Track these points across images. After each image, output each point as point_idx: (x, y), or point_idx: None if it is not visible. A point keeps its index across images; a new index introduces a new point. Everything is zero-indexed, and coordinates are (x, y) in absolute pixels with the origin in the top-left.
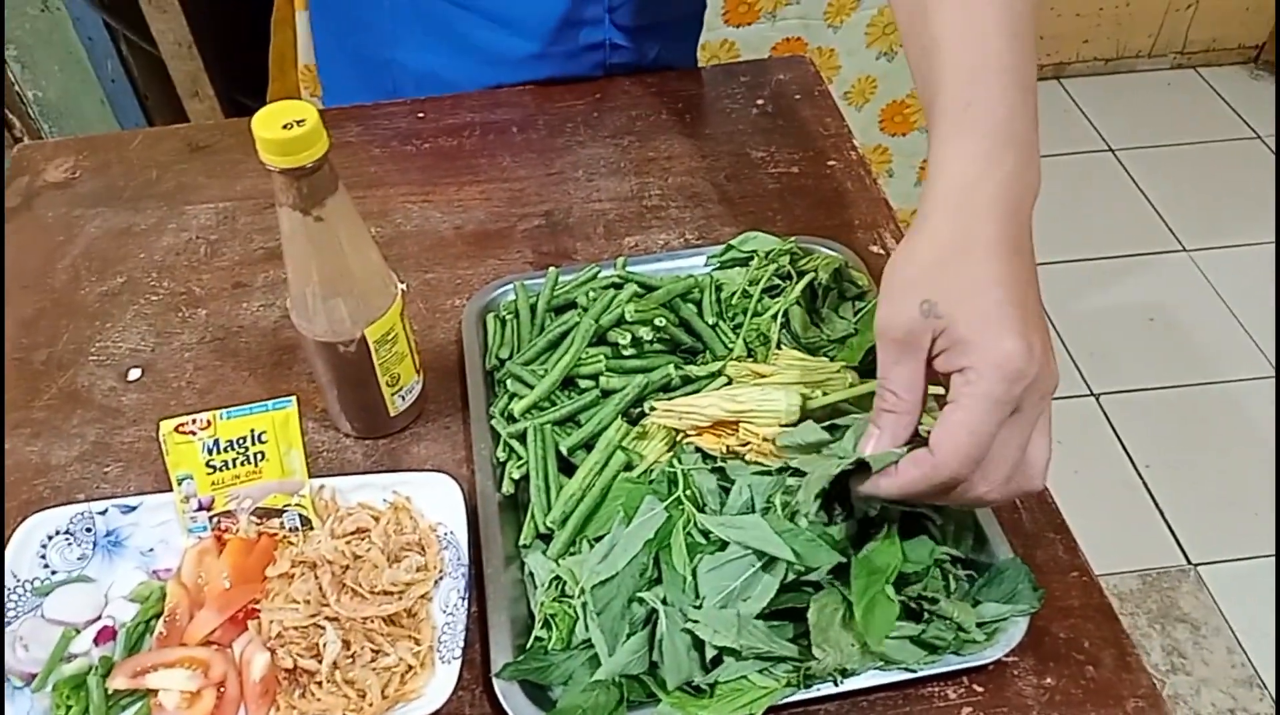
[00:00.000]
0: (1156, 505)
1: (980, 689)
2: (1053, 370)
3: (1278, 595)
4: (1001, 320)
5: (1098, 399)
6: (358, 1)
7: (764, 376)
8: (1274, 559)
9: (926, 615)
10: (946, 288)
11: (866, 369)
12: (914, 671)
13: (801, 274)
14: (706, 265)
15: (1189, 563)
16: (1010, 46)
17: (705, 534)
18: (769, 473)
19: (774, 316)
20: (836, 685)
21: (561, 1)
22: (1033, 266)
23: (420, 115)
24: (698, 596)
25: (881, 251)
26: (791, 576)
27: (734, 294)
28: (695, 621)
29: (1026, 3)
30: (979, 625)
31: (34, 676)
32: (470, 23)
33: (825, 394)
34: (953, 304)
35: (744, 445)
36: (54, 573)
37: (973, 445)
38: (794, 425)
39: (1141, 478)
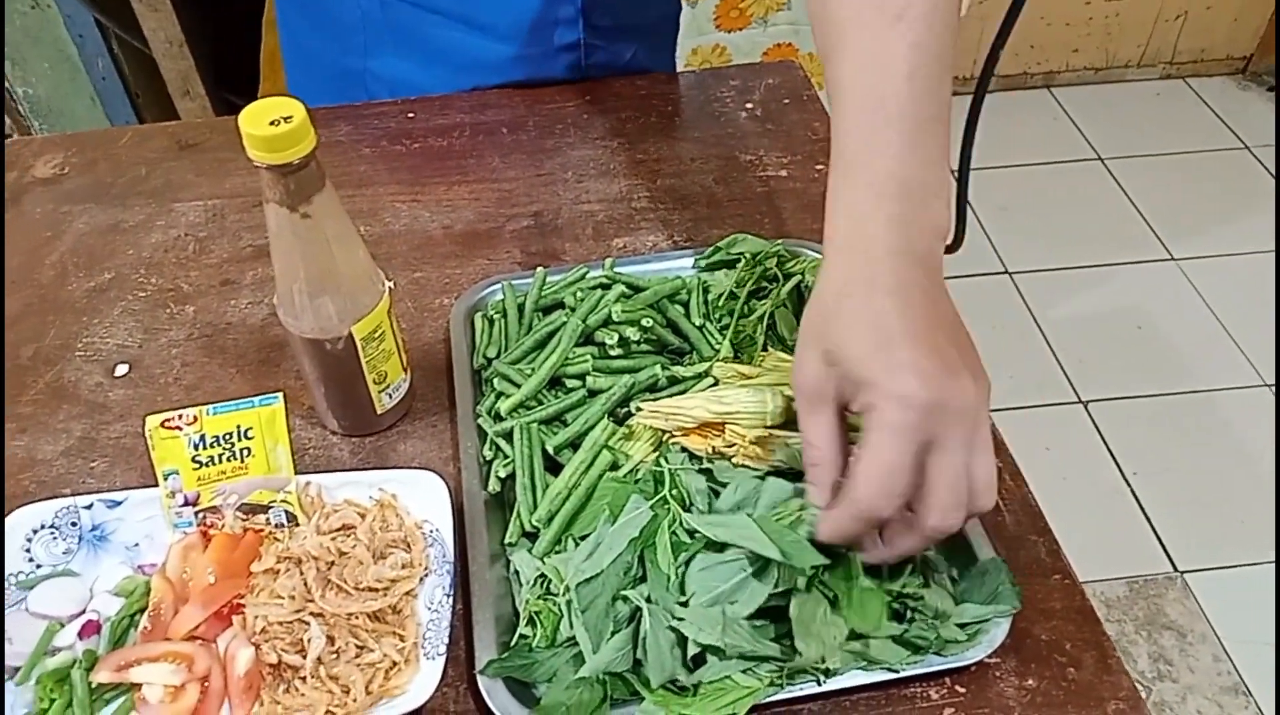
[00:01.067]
0: (1144, 512)
1: (962, 690)
2: (967, 394)
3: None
4: (890, 353)
5: (1085, 406)
6: (327, 12)
7: (750, 378)
8: (1274, 566)
9: (909, 614)
10: (839, 333)
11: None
12: (896, 671)
13: (789, 276)
14: (694, 267)
15: (1175, 570)
16: (906, 88)
17: (691, 533)
18: (760, 476)
19: (760, 318)
20: (820, 684)
21: (534, 2)
22: (937, 302)
23: (410, 115)
24: (684, 594)
25: None
26: (782, 586)
27: (721, 296)
28: (680, 619)
29: (938, 32)
30: (960, 626)
31: (17, 670)
32: (443, 28)
33: None
34: (845, 347)
35: (730, 446)
36: (38, 566)
37: (886, 478)
38: (780, 427)
39: (1129, 484)
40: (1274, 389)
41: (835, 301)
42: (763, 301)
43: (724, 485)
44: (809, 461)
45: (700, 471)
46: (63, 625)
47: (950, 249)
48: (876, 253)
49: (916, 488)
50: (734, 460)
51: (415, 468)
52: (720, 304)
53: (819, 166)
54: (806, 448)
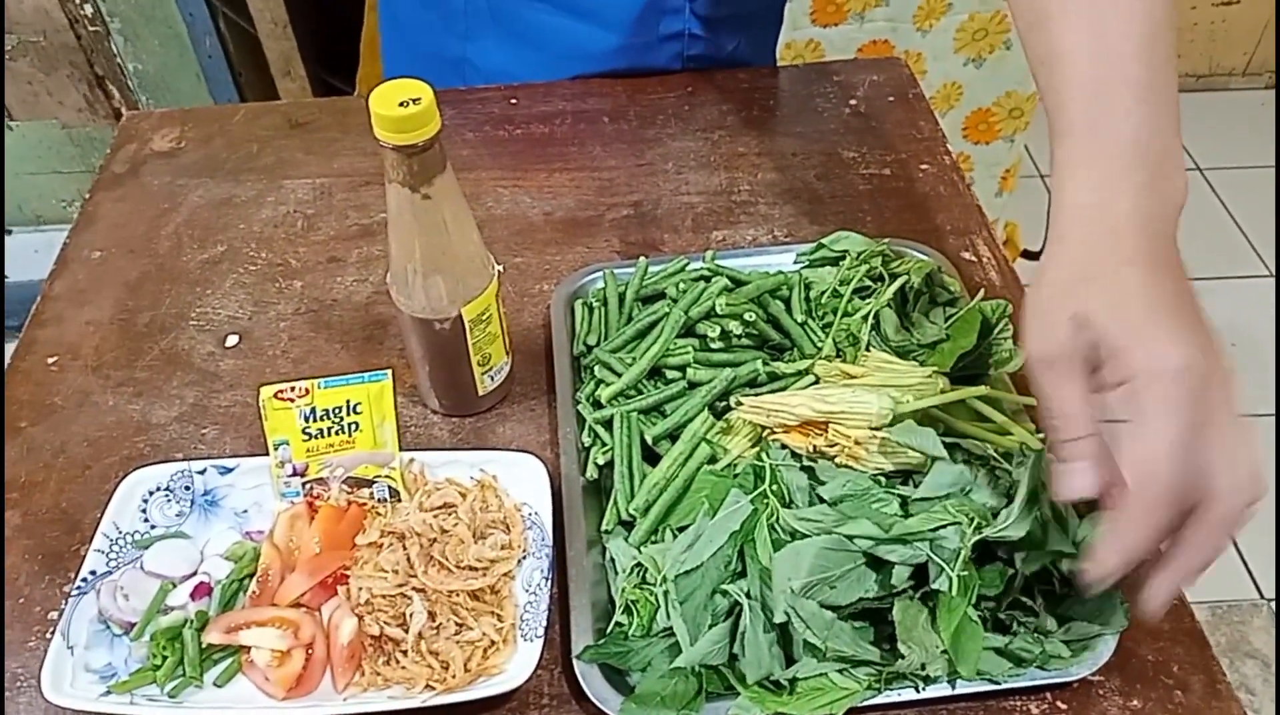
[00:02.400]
0: (1231, 537)
1: (1064, 706)
2: (1228, 370)
3: None
4: (1156, 325)
5: None
6: (430, 1)
7: (853, 377)
8: None
9: (1014, 626)
10: (1093, 301)
11: (957, 376)
12: (997, 683)
13: (894, 276)
14: (795, 263)
15: (1262, 597)
16: (1140, 56)
17: (792, 533)
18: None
19: (865, 317)
20: (918, 691)
21: None
22: (1181, 277)
23: (513, 101)
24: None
25: (973, 258)
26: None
27: (824, 293)
28: (792, 609)
29: (1163, 9)
30: (1065, 641)
31: (132, 626)
32: (548, 14)
33: (916, 398)
34: (1102, 314)
35: (832, 446)
36: (153, 527)
37: (1169, 457)
38: (887, 427)
39: None
40: None
41: (1086, 270)
42: (867, 301)
43: (824, 484)
44: (1066, 436)
45: (802, 469)
46: (175, 585)
47: (1034, 255)
48: (1126, 224)
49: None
50: (836, 460)
51: (515, 450)
52: (823, 301)
53: (923, 166)
54: (1057, 420)
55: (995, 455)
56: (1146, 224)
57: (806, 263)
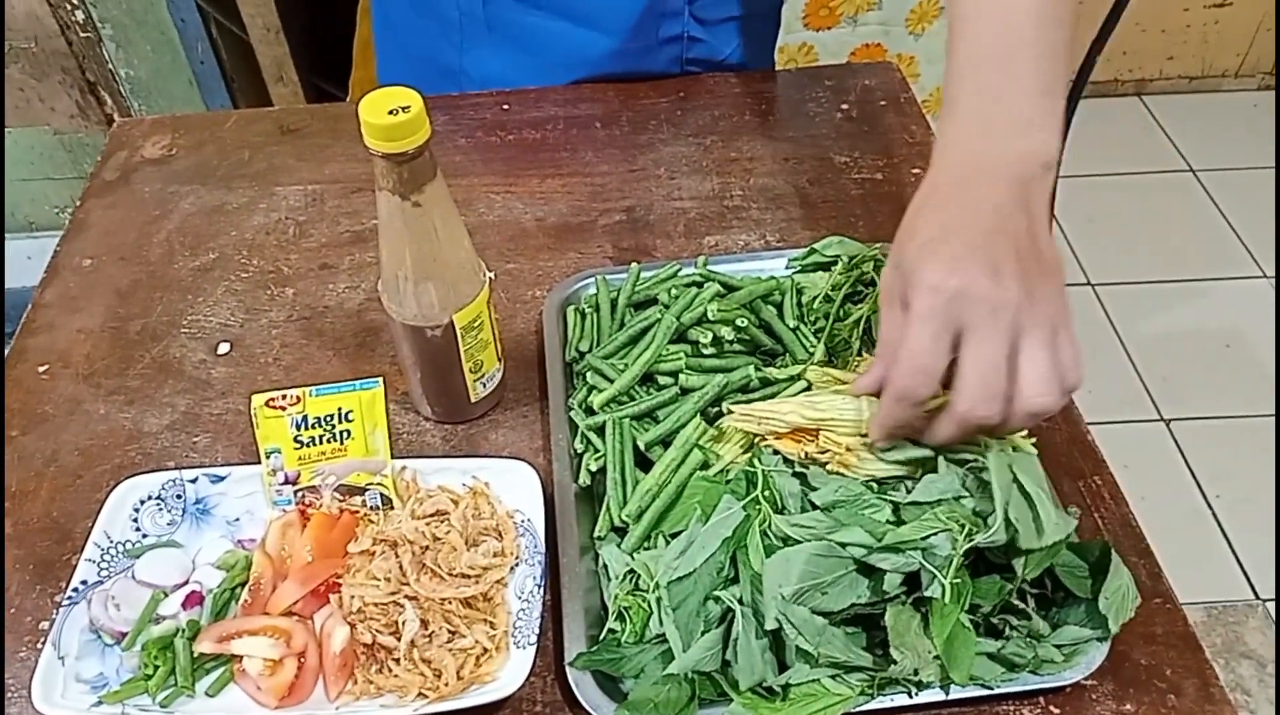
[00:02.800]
0: (1225, 536)
1: (1057, 710)
2: (1003, 292)
3: None
4: (933, 249)
5: (1168, 425)
6: (424, 8)
7: (845, 383)
8: None
9: (1007, 631)
10: (905, 237)
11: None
12: (990, 688)
13: None
14: (787, 268)
15: (1257, 597)
16: (1035, 22)
17: (784, 539)
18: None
19: (856, 323)
20: (911, 697)
21: None
22: (1008, 216)
23: (505, 107)
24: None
25: None
26: (875, 596)
27: (816, 298)
28: (783, 615)
29: None
30: (1058, 646)
31: (124, 635)
32: (546, 21)
33: None
34: (904, 247)
35: (823, 452)
36: (145, 536)
37: (915, 358)
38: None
39: (1210, 507)
40: None
41: (913, 214)
42: (858, 306)
43: (817, 490)
44: (878, 352)
45: (794, 475)
46: (167, 594)
47: None
48: (961, 172)
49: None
50: (828, 467)
51: (507, 457)
52: (815, 307)
53: (915, 170)
54: (881, 339)
55: (980, 460)
56: (985, 173)
57: (798, 268)
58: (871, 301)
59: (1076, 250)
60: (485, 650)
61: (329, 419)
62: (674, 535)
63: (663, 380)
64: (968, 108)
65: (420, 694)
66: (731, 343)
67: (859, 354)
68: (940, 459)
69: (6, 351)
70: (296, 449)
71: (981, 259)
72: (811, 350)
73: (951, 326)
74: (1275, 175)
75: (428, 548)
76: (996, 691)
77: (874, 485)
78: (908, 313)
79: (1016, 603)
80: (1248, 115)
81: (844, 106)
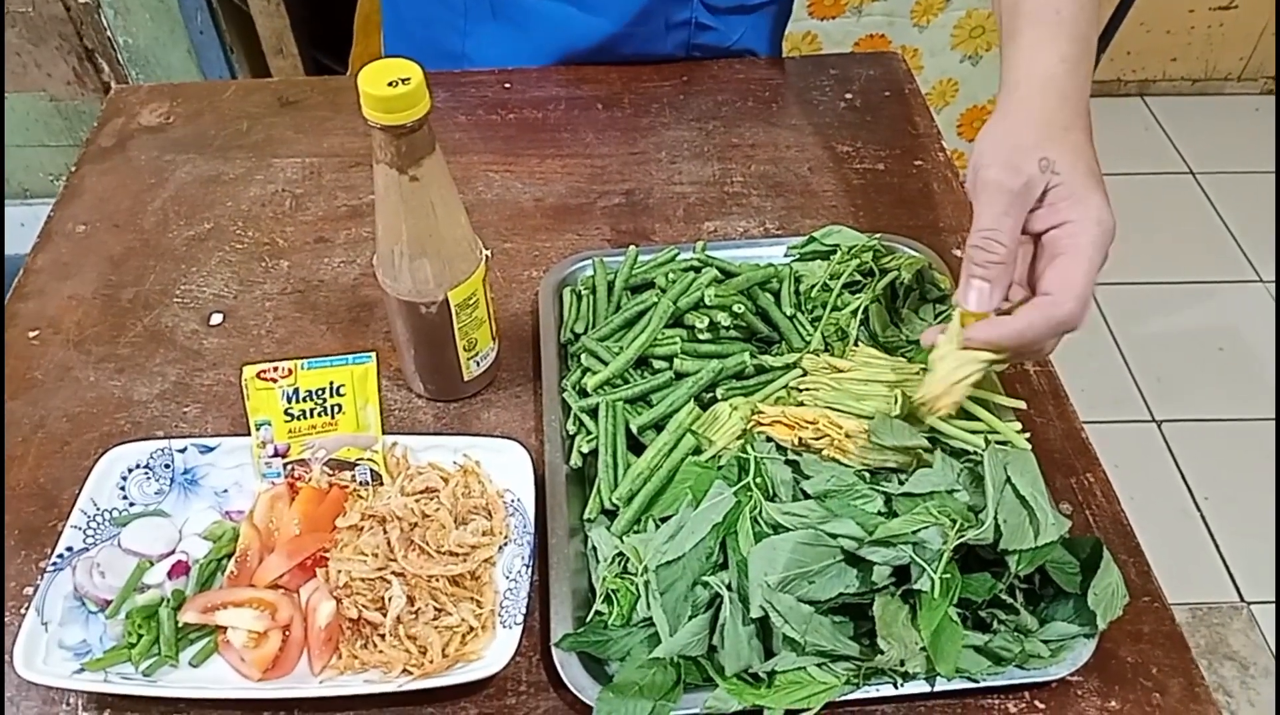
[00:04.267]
0: (1212, 538)
1: (1042, 705)
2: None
3: None
4: (1100, 184)
5: (1159, 426)
6: None
7: (841, 372)
8: None
9: (994, 625)
10: (1062, 152)
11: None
12: (976, 681)
13: (884, 272)
14: (786, 256)
15: (1242, 600)
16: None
17: (774, 527)
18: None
19: (854, 312)
20: (897, 687)
21: None
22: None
23: (507, 85)
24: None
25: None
26: (864, 586)
27: (814, 287)
28: (769, 603)
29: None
30: (1045, 641)
31: (108, 603)
32: (553, 5)
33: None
34: (1068, 167)
35: (820, 437)
36: (132, 505)
37: (1086, 287)
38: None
39: (1199, 508)
40: None
41: (1051, 129)
42: (857, 295)
43: (809, 477)
44: (993, 259)
45: (786, 463)
46: (152, 563)
47: None
48: (1075, 97)
49: None
50: (823, 453)
51: (499, 436)
52: (813, 295)
53: (917, 161)
54: (991, 247)
55: (979, 454)
56: (1084, 102)
57: (797, 256)
58: (870, 291)
59: None
60: (471, 628)
61: (320, 393)
62: (664, 519)
63: (657, 364)
64: (1072, 34)
65: (405, 670)
66: (728, 329)
67: (855, 343)
68: (937, 451)
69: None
70: (287, 422)
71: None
72: (808, 338)
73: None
74: (1275, 179)
75: (416, 525)
76: (982, 685)
77: (866, 475)
78: (1083, 242)
79: (1005, 597)
80: (1249, 118)
81: (847, 96)
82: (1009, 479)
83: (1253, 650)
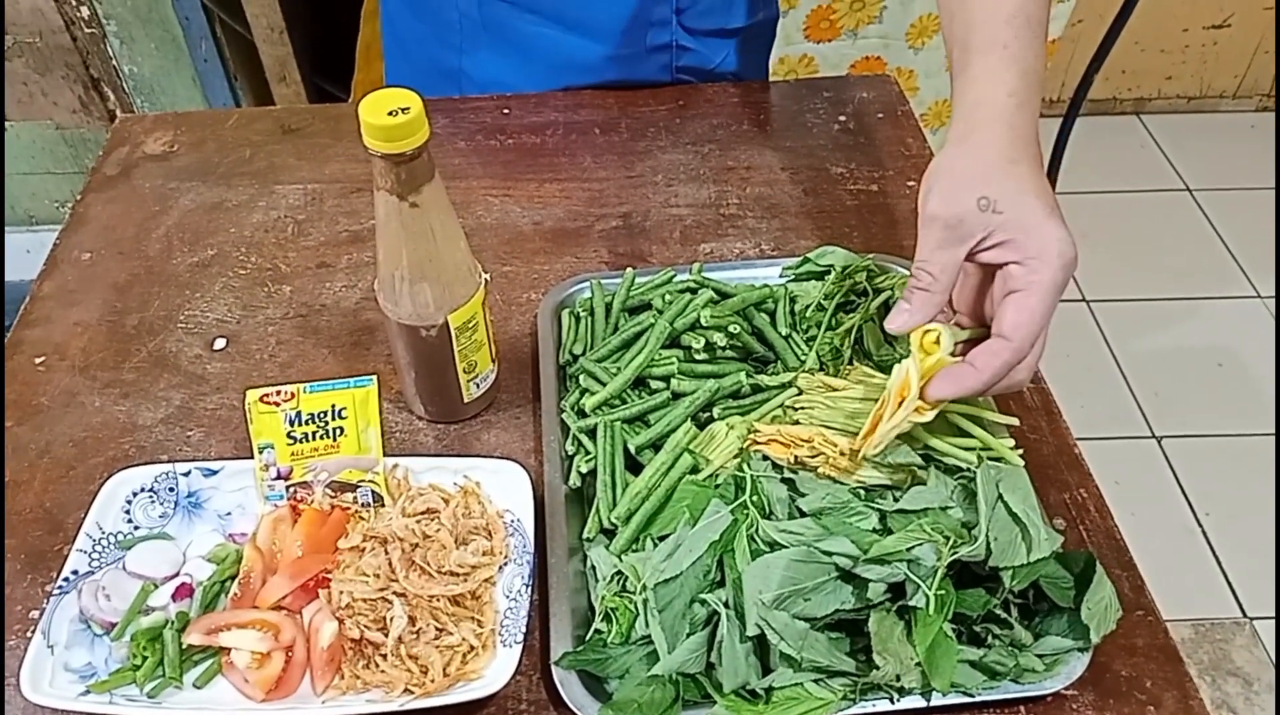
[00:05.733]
0: (1214, 554)
1: None
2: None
3: None
4: (1054, 218)
5: (1159, 442)
6: (427, 12)
7: (837, 390)
8: None
9: (989, 639)
10: (1003, 190)
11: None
12: (971, 696)
13: (877, 291)
14: (781, 276)
15: (1245, 616)
16: (1040, 2)
17: (771, 545)
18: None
19: (848, 331)
20: (893, 703)
21: (630, 2)
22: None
23: (505, 111)
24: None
25: None
26: (860, 602)
27: (808, 307)
28: (764, 620)
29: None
30: (1039, 656)
31: (113, 625)
32: (538, 25)
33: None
34: (1011, 203)
35: (814, 456)
36: (136, 528)
37: (1040, 326)
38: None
39: (1200, 525)
40: None
41: (996, 165)
42: (850, 315)
43: (805, 495)
44: (920, 286)
45: (782, 481)
46: (157, 586)
47: None
48: (1023, 130)
49: None
50: (819, 471)
51: (499, 457)
52: (807, 315)
53: (910, 182)
54: (920, 275)
55: (972, 471)
56: (1033, 133)
57: (792, 277)
58: (864, 310)
59: None
60: (472, 648)
61: (322, 416)
62: (662, 538)
63: (655, 384)
64: (1020, 65)
65: (407, 690)
66: (724, 349)
67: (849, 362)
68: (931, 468)
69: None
70: (290, 445)
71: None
72: (803, 358)
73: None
74: (1275, 196)
75: (417, 545)
76: (977, 699)
77: (861, 492)
78: (1035, 280)
79: (999, 612)
80: (1245, 136)
81: (841, 118)
82: (1000, 496)
83: (1256, 666)
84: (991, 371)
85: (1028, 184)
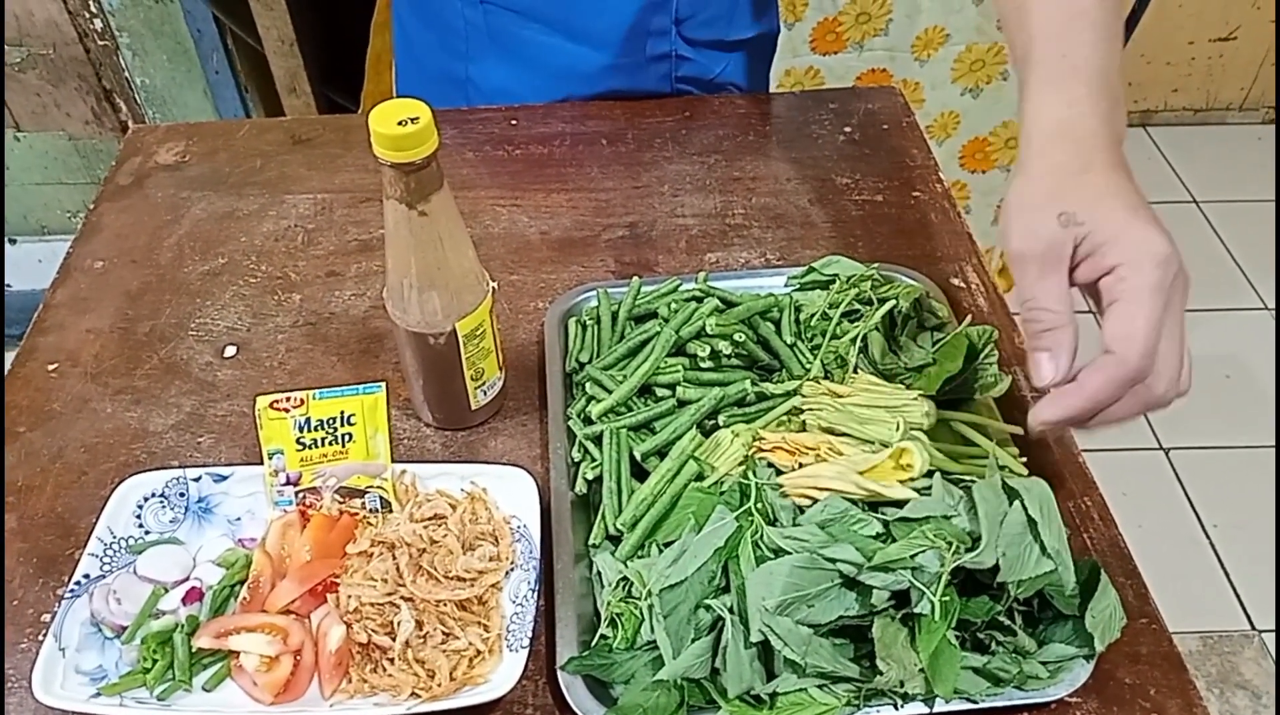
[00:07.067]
0: (1222, 566)
1: None
2: (1184, 268)
3: None
4: (1140, 217)
5: (1167, 454)
6: (436, 14)
7: (841, 397)
8: None
9: (993, 646)
10: (1079, 199)
11: (943, 400)
12: (975, 702)
13: (882, 301)
14: (787, 285)
15: (1253, 628)
16: (1098, 2)
17: (775, 551)
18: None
19: (853, 340)
20: (896, 709)
21: (629, 12)
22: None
23: (513, 122)
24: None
25: (963, 284)
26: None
27: (813, 315)
28: (768, 626)
29: None
30: (1043, 663)
31: (124, 629)
32: (540, 34)
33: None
34: (1089, 210)
35: (820, 463)
36: (147, 532)
37: (1149, 334)
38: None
39: (1208, 536)
40: None
41: (1073, 175)
42: (855, 324)
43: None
44: (1044, 328)
45: None
46: (167, 590)
47: None
48: (1095, 139)
49: None
50: None
51: (505, 464)
52: (812, 324)
53: (915, 193)
54: (1038, 317)
55: (977, 481)
56: (1111, 142)
57: (797, 286)
58: (870, 319)
59: None
60: (478, 652)
61: (331, 422)
62: (667, 544)
63: (660, 392)
64: (1080, 74)
65: (413, 693)
66: (729, 357)
67: (854, 371)
68: (936, 476)
69: (16, 352)
70: (299, 451)
71: (1169, 235)
72: (808, 366)
73: (1166, 297)
74: (1276, 208)
75: (425, 550)
76: (981, 706)
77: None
78: (1132, 286)
79: (1003, 619)
80: (1251, 148)
81: (847, 129)
82: (1025, 506)
83: (1265, 679)
84: (1095, 388)
85: (1104, 188)
